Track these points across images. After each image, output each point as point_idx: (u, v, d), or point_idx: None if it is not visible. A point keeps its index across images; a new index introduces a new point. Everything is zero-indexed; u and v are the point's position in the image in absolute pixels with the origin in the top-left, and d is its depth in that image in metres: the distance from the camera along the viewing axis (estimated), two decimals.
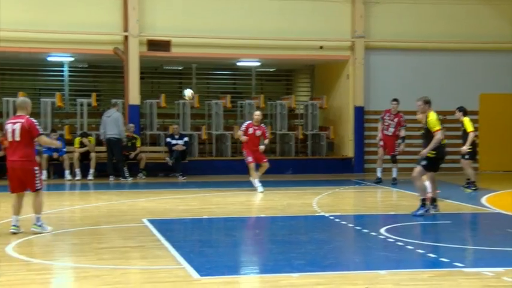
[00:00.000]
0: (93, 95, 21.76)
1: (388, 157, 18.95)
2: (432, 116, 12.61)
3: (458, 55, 22.46)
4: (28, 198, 11.19)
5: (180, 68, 24.87)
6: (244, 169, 20.98)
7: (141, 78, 21.11)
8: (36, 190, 10.92)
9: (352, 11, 21.83)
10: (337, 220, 12.70)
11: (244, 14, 21.14)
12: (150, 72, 24.48)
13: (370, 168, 22.01)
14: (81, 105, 21.50)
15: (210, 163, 21.24)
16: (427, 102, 12.84)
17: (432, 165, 12.79)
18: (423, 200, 12.72)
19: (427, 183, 13.08)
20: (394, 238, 10.63)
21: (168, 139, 20.66)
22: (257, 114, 17.18)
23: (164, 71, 25.10)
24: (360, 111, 22.03)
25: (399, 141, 18.67)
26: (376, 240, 10.72)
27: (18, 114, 11.01)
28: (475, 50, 22.46)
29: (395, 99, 18.79)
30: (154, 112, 21.82)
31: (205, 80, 25.38)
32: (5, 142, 11.46)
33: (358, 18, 21.79)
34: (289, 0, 21.28)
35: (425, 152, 12.53)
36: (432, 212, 12.91)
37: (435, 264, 9.12)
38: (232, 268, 8.93)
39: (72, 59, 22.32)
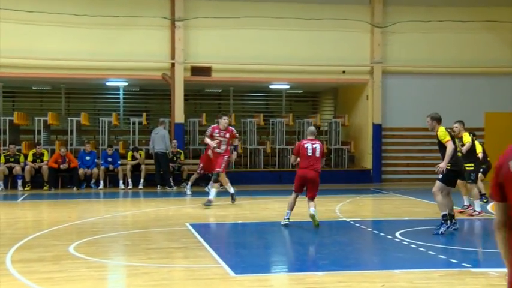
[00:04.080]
0: (144, 114, 21.92)
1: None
2: (441, 129, 11.20)
3: (465, 78, 22.22)
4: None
5: (220, 91, 24.98)
6: (275, 179, 21.06)
7: (185, 99, 21.22)
8: None
9: (371, 40, 21.76)
10: (357, 225, 12.63)
11: (276, 44, 21.10)
12: (193, 95, 24.59)
13: (386, 178, 21.94)
14: (134, 123, 21.63)
15: (245, 174, 21.18)
16: (434, 119, 11.35)
17: (449, 178, 11.32)
18: (444, 216, 11.20)
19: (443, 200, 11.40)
20: (408, 241, 10.53)
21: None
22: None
23: (205, 93, 25.18)
24: (377, 128, 21.89)
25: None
26: (391, 242, 10.63)
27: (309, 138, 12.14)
28: (480, 73, 22.20)
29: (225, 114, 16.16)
30: (196, 129, 21.92)
31: (240, 101, 25.42)
32: None
33: (376, 46, 21.70)
34: (316, 31, 21.22)
35: (443, 165, 11.06)
36: (452, 228, 11.40)
37: (445, 264, 8.98)
38: (264, 267, 8.94)
39: (126, 83, 22.57)
